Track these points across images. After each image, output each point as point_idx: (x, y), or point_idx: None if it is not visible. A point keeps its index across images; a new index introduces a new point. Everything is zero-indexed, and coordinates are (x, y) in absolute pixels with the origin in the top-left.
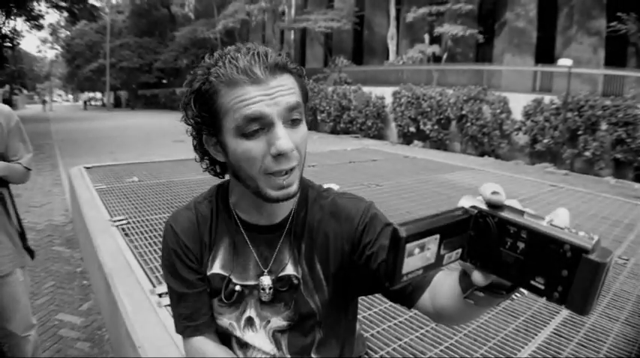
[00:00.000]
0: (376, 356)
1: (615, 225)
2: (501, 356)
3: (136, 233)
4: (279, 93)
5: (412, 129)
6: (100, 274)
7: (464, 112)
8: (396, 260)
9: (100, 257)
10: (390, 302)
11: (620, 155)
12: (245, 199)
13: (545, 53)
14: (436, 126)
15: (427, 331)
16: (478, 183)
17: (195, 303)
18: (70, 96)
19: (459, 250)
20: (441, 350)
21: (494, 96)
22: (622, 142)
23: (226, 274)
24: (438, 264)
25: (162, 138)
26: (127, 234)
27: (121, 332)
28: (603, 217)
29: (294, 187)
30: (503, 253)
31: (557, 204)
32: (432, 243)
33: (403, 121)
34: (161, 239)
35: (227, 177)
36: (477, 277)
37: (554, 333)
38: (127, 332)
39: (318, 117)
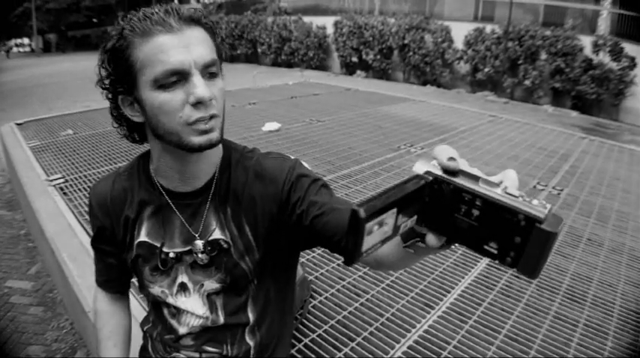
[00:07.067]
0: (321, 298)
1: (551, 156)
2: (441, 287)
3: (75, 191)
4: (194, 42)
5: (354, 59)
6: (44, 238)
7: (406, 41)
8: (356, 240)
9: (41, 221)
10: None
11: (558, 84)
12: (165, 162)
13: None
14: (378, 56)
15: (369, 270)
16: (420, 114)
17: (109, 266)
18: None
19: (415, 217)
20: (383, 288)
21: (437, 25)
22: (560, 72)
23: (157, 244)
24: (394, 234)
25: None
26: (65, 193)
27: (71, 296)
28: (540, 147)
29: (217, 134)
30: (458, 219)
31: (496, 135)
32: (390, 217)
33: (345, 51)
34: None
35: (146, 146)
36: (431, 239)
37: (489, 266)
38: (77, 298)
39: (259, 50)
